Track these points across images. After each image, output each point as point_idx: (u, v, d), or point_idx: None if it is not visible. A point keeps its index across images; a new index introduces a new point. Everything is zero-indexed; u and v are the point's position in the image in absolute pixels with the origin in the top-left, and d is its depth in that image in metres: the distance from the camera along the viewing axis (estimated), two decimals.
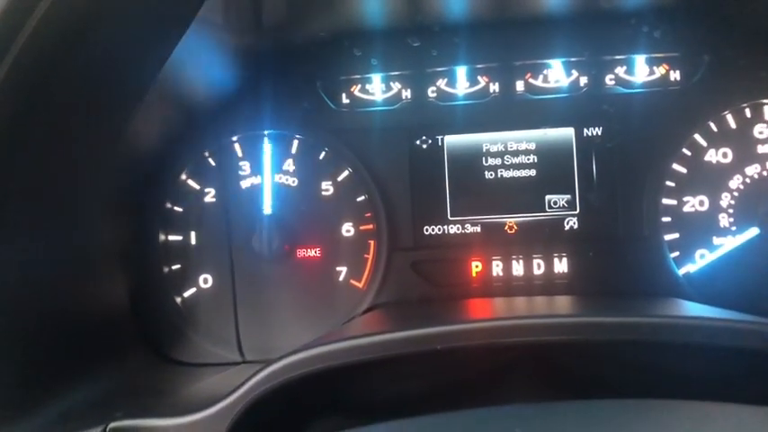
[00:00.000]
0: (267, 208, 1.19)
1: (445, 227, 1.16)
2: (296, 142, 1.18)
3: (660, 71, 1.15)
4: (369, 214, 1.16)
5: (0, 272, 0.81)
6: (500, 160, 1.14)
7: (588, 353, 0.85)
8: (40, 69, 0.73)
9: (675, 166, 1.13)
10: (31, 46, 0.67)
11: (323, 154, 1.18)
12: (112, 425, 0.84)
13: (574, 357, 0.84)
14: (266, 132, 1.19)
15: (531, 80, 1.15)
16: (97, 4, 0.71)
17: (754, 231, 1.10)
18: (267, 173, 1.15)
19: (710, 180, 1.13)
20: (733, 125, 1.12)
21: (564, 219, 1.12)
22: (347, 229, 1.16)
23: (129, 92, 0.96)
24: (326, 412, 0.81)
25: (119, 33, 0.81)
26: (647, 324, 0.82)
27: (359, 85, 1.17)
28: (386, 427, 0.71)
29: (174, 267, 1.18)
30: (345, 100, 1.18)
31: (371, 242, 1.16)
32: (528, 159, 1.12)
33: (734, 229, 1.11)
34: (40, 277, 0.89)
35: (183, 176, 1.15)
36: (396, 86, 1.17)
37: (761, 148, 1.14)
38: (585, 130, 1.14)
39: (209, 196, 1.15)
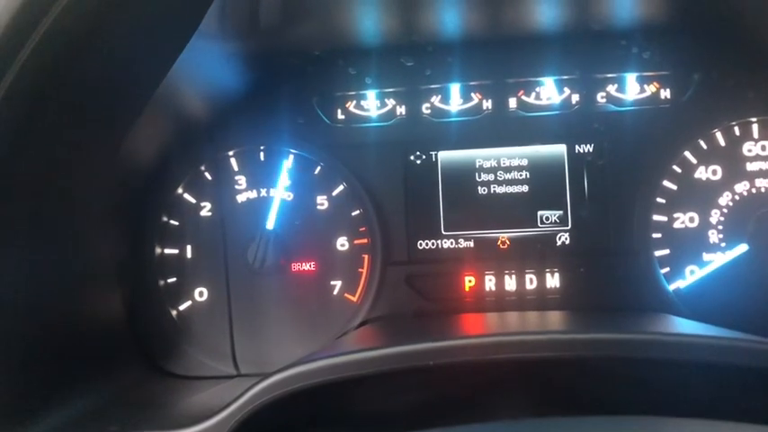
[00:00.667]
0: (270, 223, 1.19)
1: (439, 242, 1.17)
2: (291, 157, 1.18)
3: (651, 89, 1.19)
4: (363, 229, 1.19)
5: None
6: (493, 176, 1.17)
7: (579, 369, 0.87)
8: (43, 80, 0.76)
9: (666, 183, 1.15)
10: (36, 56, 0.69)
11: (318, 169, 1.20)
12: None
13: (565, 373, 0.86)
14: (262, 147, 1.21)
15: (523, 97, 1.19)
16: (103, 14, 0.74)
17: (743, 248, 1.12)
18: (280, 189, 1.16)
19: (700, 197, 1.15)
20: (722, 143, 1.15)
21: (556, 234, 1.15)
22: (342, 244, 1.18)
23: (129, 104, 0.99)
24: (321, 426, 0.83)
25: (123, 44, 0.83)
26: (637, 341, 0.84)
27: (354, 102, 1.20)
28: None
29: (169, 280, 1.20)
30: (341, 116, 1.21)
31: (366, 256, 1.18)
32: (520, 175, 1.15)
33: (723, 245, 1.13)
34: (35, 290, 0.91)
35: (180, 190, 1.17)
36: (390, 103, 1.20)
37: (749, 166, 1.13)
38: (577, 146, 1.17)
39: (205, 210, 1.18)
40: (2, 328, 0.84)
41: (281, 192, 1.17)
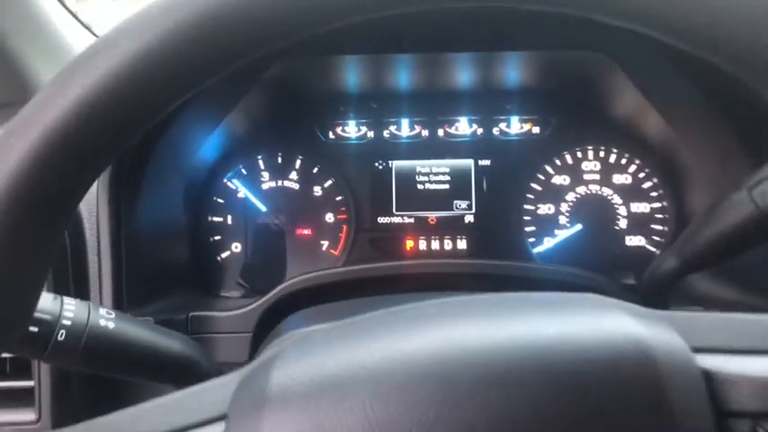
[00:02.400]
0: (260, 209, 1.52)
1: (391, 218, 1.51)
2: (298, 161, 1.52)
3: (527, 127, 1.51)
4: (343, 208, 1.51)
5: (132, 224, 1.16)
6: (427, 178, 1.51)
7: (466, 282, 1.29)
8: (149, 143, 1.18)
9: (533, 185, 1.50)
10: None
11: (315, 169, 1.51)
12: (192, 314, 1.21)
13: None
14: (280, 153, 1.52)
15: (447, 129, 1.51)
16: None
17: (579, 227, 1.49)
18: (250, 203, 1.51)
19: (555, 195, 1.49)
20: (570, 161, 1.50)
21: (464, 215, 1.50)
22: (329, 218, 1.51)
23: (199, 141, 1.39)
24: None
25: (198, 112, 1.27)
26: (497, 265, 1.29)
27: (341, 127, 1.52)
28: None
29: (216, 238, 1.49)
30: (332, 136, 1.53)
31: (344, 226, 1.51)
32: (444, 178, 1.51)
33: (568, 225, 1.49)
34: (148, 238, 1.23)
35: (225, 180, 1.50)
36: (363, 129, 1.52)
37: (586, 176, 1.48)
38: (480, 161, 1.51)
39: (241, 193, 1.50)
40: (131, 258, 1.14)
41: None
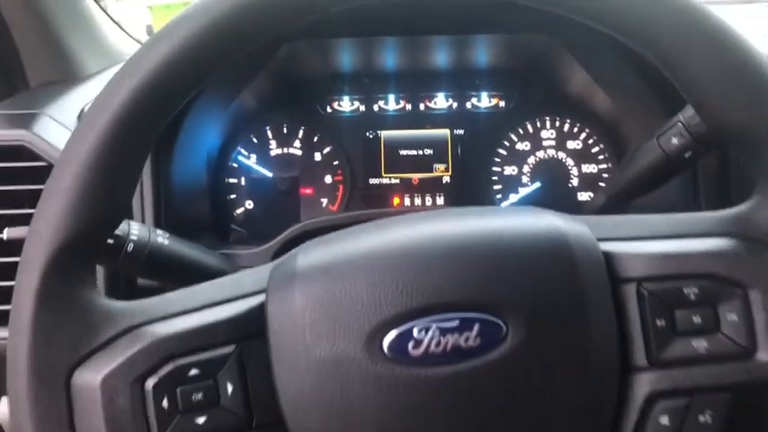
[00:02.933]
0: (269, 173, 1.71)
1: (381, 179, 1.65)
2: (301, 131, 1.64)
3: (495, 101, 1.64)
4: (340, 171, 1.64)
5: (167, 184, 1.32)
6: (411, 145, 1.63)
7: None
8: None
9: (500, 150, 1.63)
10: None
11: (316, 138, 1.62)
12: (221, 251, 1.31)
13: None
14: (285, 124, 1.64)
15: (427, 103, 1.64)
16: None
17: (538, 184, 1.63)
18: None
19: (518, 158, 1.62)
20: (530, 130, 1.62)
21: (442, 177, 1.64)
22: (327, 179, 1.65)
23: (216, 117, 1.55)
24: None
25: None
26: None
27: (337, 102, 1.64)
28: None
29: (232, 197, 1.62)
30: (329, 110, 1.64)
31: (341, 186, 1.65)
32: (425, 145, 1.63)
33: (529, 183, 1.63)
34: (181, 193, 1.37)
35: (239, 148, 1.61)
36: (356, 104, 1.65)
37: (544, 143, 1.61)
38: (455, 131, 1.63)
39: (252, 160, 1.62)
40: (167, 210, 1.31)
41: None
